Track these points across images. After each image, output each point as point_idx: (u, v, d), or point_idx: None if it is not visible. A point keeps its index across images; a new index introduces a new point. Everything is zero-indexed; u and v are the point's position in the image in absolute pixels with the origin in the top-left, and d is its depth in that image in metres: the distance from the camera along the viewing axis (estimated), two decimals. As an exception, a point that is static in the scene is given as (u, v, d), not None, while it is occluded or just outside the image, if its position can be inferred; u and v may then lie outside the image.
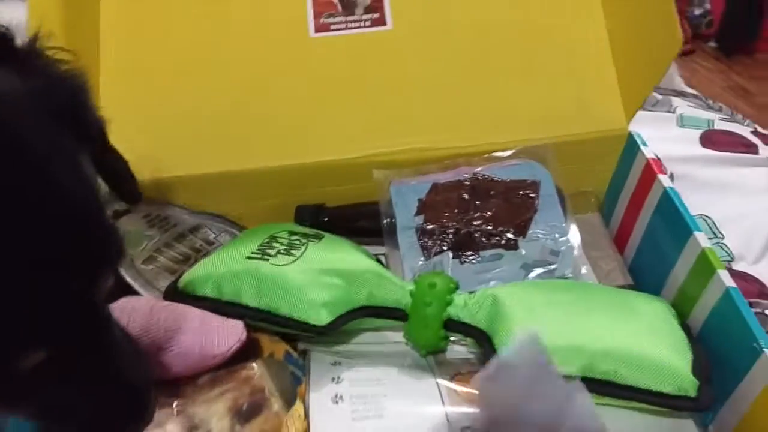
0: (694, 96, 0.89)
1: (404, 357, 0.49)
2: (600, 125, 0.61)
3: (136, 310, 0.46)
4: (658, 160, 0.57)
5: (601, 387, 0.40)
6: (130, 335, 0.38)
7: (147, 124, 0.61)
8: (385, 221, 0.58)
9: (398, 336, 0.51)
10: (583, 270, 0.53)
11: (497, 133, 0.61)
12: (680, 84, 0.97)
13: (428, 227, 0.56)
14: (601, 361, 0.40)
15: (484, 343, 0.45)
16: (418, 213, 0.57)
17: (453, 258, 0.55)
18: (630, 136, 0.60)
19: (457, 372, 0.47)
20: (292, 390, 0.47)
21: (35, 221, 0.27)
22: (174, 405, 0.42)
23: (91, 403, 0.33)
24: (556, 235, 0.54)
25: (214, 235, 0.60)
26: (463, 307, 0.47)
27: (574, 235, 0.55)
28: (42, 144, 0.29)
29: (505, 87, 0.62)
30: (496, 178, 0.58)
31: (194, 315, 0.45)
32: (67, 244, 0.28)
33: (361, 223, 0.62)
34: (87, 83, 0.36)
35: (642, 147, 0.58)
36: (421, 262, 0.55)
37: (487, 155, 0.60)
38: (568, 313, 0.44)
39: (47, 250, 0.28)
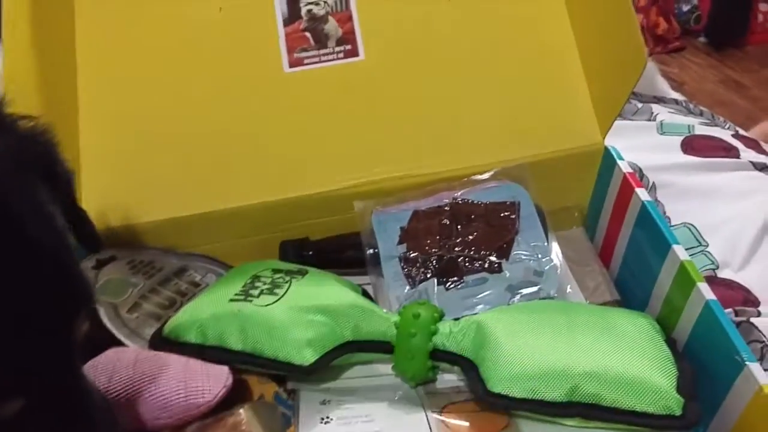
0: (675, 101, 0.89)
1: (395, 390, 0.49)
2: (576, 141, 0.61)
3: (121, 362, 0.46)
4: (635, 173, 0.57)
5: (586, 410, 0.40)
6: (96, 386, 0.38)
7: (127, 169, 0.62)
8: (368, 252, 0.58)
9: (388, 368, 0.51)
10: (568, 289, 0.53)
11: (474, 156, 0.61)
12: (664, 88, 0.97)
13: (411, 255, 0.56)
14: (585, 384, 0.40)
15: (470, 372, 0.45)
16: (400, 242, 0.57)
17: (438, 285, 0.55)
18: (606, 150, 0.60)
19: (449, 402, 0.47)
20: (282, 431, 0.47)
21: (17, 279, 0.28)
22: (161, 457, 0.42)
23: None
24: (539, 255, 0.54)
25: (199, 277, 0.60)
26: (448, 335, 0.47)
27: (556, 254, 0.55)
28: (20, 201, 0.30)
29: (480, 109, 0.62)
30: (475, 202, 0.58)
31: (178, 363, 0.45)
32: (45, 298, 0.30)
33: (347, 254, 0.62)
34: (55, 138, 0.37)
35: (618, 161, 0.58)
36: (406, 291, 0.55)
37: (465, 179, 0.60)
38: (552, 336, 0.44)
39: (27, 305, 0.29)
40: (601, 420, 0.40)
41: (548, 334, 0.44)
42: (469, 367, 0.45)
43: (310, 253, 0.62)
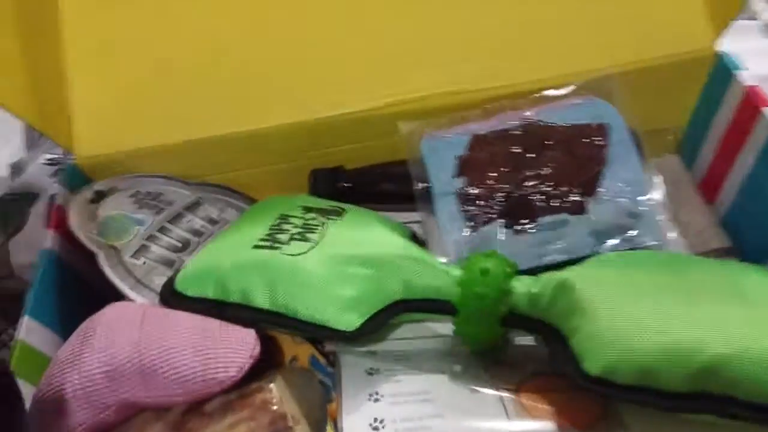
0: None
1: (455, 359, 0.40)
2: (679, 45, 0.49)
3: (125, 322, 0.38)
4: (757, 87, 0.45)
5: (719, 406, 0.31)
6: None
7: (132, 84, 0.52)
8: (418, 186, 0.48)
9: (444, 328, 0.42)
10: (673, 235, 0.43)
11: (549, 66, 0.50)
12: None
13: (471, 191, 0.46)
14: (720, 367, 0.31)
15: (556, 344, 0.36)
16: (457, 174, 0.47)
17: (505, 227, 0.45)
18: (720, 58, 0.48)
19: (524, 377, 0.38)
20: (321, 406, 0.39)
21: None
22: (176, 444, 0.34)
23: None
24: (634, 192, 0.44)
25: (217, 212, 0.51)
26: (525, 296, 0.37)
27: (657, 191, 0.44)
28: None
29: (557, 6, 0.50)
30: (552, 124, 0.47)
31: (194, 328, 0.37)
32: None
33: (388, 186, 0.52)
34: None
35: (735, 72, 0.46)
36: (465, 235, 0.45)
37: (538, 95, 0.49)
38: (665, 301, 0.34)
39: None
40: (740, 419, 0.31)
41: (660, 298, 0.34)
42: (554, 337, 0.36)
43: (346, 184, 0.52)
